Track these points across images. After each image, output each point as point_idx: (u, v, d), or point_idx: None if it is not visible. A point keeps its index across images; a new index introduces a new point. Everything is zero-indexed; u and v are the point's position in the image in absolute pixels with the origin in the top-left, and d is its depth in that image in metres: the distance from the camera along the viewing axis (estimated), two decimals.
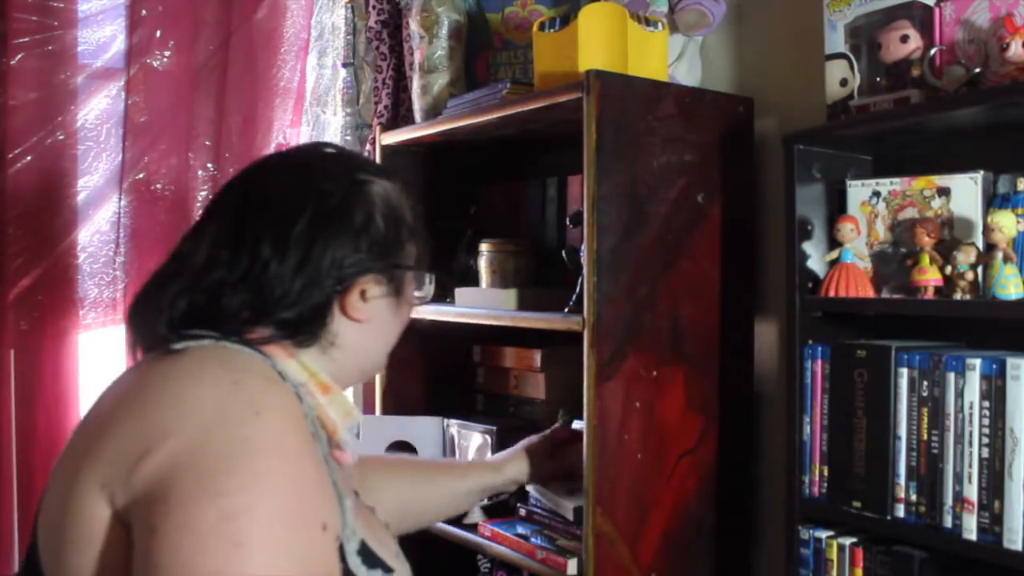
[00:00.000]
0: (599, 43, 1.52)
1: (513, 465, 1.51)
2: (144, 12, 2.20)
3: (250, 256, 0.94)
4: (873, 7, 1.38)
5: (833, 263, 1.37)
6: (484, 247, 1.82)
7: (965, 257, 1.22)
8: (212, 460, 0.80)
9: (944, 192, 1.30)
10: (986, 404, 1.18)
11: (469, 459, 1.82)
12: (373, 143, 2.08)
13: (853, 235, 1.36)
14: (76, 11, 2.15)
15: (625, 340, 1.47)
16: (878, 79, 1.38)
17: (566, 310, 1.55)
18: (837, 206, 1.42)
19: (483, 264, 1.81)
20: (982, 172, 1.27)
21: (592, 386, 1.43)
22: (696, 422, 1.57)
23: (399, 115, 2.21)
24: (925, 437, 1.25)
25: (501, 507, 1.76)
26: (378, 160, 1.99)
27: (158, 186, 2.23)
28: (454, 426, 1.91)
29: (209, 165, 2.30)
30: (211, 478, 0.79)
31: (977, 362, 1.19)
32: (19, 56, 2.07)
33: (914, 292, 1.28)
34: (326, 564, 0.86)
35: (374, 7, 2.21)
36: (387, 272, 1.02)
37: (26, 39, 2.07)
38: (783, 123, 1.65)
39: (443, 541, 1.75)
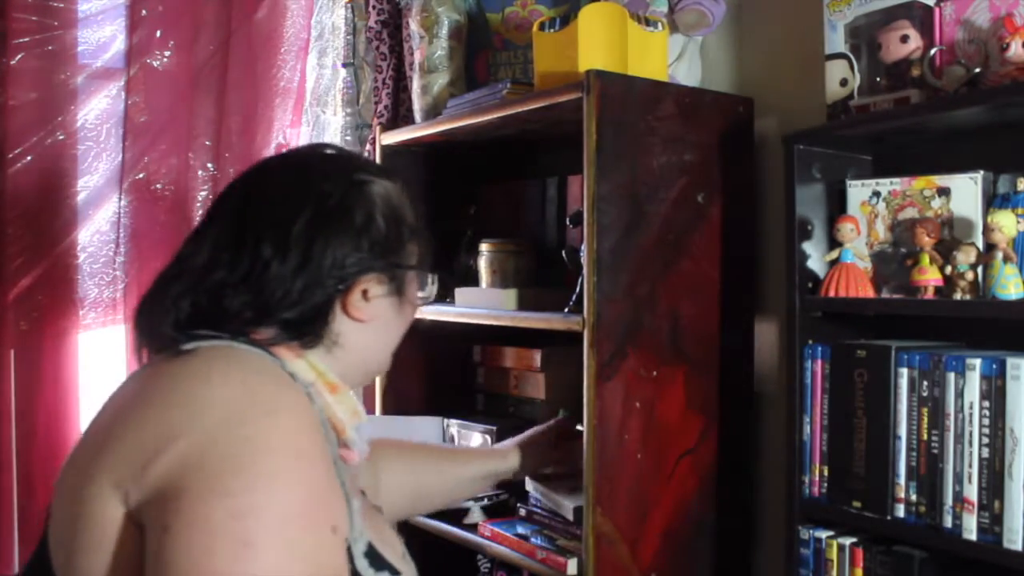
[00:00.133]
0: (599, 43, 1.52)
1: (518, 452, 1.54)
2: (144, 12, 2.20)
3: (251, 257, 0.95)
4: (873, 7, 1.38)
5: (833, 263, 1.37)
6: (484, 247, 1.82)
7: (965, 257, 1.22)
8: (223, 459, 0.80)
9: (944, 192, 1.30)
10: (986, 404, 1.18)
11: None
12: (373, 143, 2.08)
13: (853, 235, 1.36)
14: (76, 11, 2.14)
15: (625, 340, 1.47)
16: (878, 79, 1.38)
17: (566, 310, 1.55)
18: (837, 206, 1.42)
19: (483, 264, 1.81)
20: (982, 172, 1.27)
21: (592, 386, 1.43)
22: (696, 422, 1.57)
23: (399, 115, 2.21)
24: (925, 437, 1.25)
25: (501, 507, 1.76)
26: (378, 160, 1.99)
27: (158, 186, 2.23)
28: (454, 426, 1.91)
29: (209, 165, 2.30)
30: (222, 477, 0.79)
31: (977, 362, 1.19)
32: (19, 56, 2.06)
33: (914, 292, 1.28)
34: (335, 566, 0.86)
35: (374, 7, 2.21)
36: (388, 271, 1.02)
37: (26, 39, 2.07)
38: (783, 123, 1.65)
39: (443, 541, 1.75)
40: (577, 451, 1.50)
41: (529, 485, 1.68)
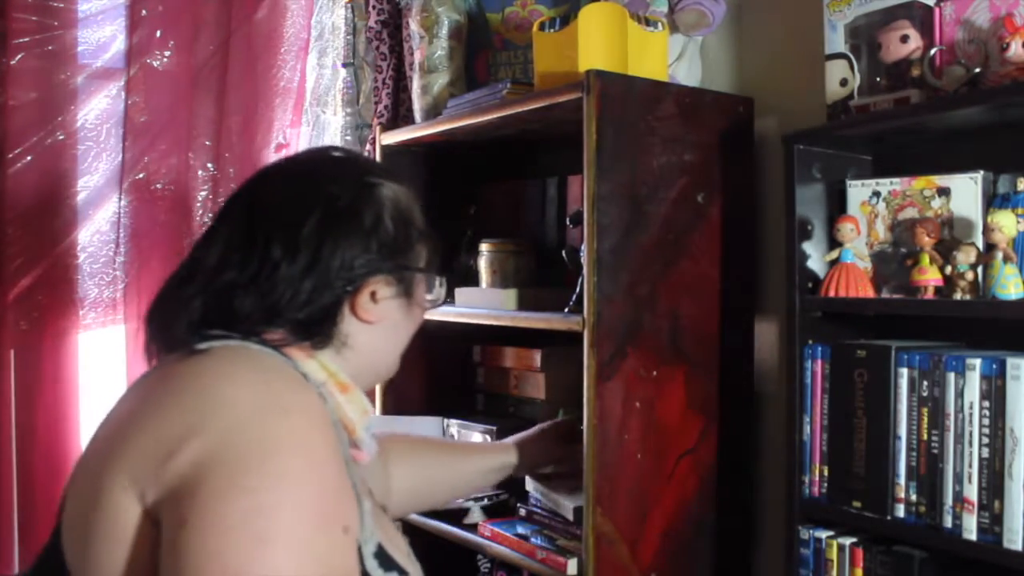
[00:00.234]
0: (599, 43, 1.52)
1: (529, 446, 1.55)
2: (144, 12, 2.20)
3: (260, 258, 0.96)
4: (873, 7, 1.38)
5: (833, 263, 1.37)
6: (484, 247, 1.82)
7: (965, 257, 1.22)
8: (240, 457, 0.81)
9: (944, 192, 1.30)
10: (986, 404, 1.18)
11: None
12: (373, 143, 2.08)
13: (853, 235, 1.36)
14: (76, 11, 2.14)
15: (625, 340, 1.47)
16: (878, 79, 1.38)
17: (566, 310, 1.55)
18: (837, 206, 1.42)
19: (483, 264, 1.81)
20: (982, 172, 1.27)
21: (592, 386, 1.43)
22: (696, 422, 1.57)
23: (399, 115, 2.21)
24: (925, 437, 1.25)
25: (501, 507, 1.76)
26: (378, 160, 1.99)
27: (158, 186, 2.23)
28: (454, 426, 1.91)
29: (209, 165, 2.30)
30: (239, 475, 0.80)
31: (977, 362, 1.19)
32: (19, 56, 2.06)
33: (914, 292, 1.28)
34: (347, 567, 0.86)
35: (374, 7, 2.21)
36: (397, 273, 1.03)
37: (26, 39, 2.07)
38: (783, 123, 1.65)
39: (443, 541, 1.76)
40: (578, 451, 1.50)
41: (529, 485, 1.68)
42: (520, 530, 1.65)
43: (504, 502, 1.76)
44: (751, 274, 1.67)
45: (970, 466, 1.20)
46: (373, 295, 1.01)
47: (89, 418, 2.14)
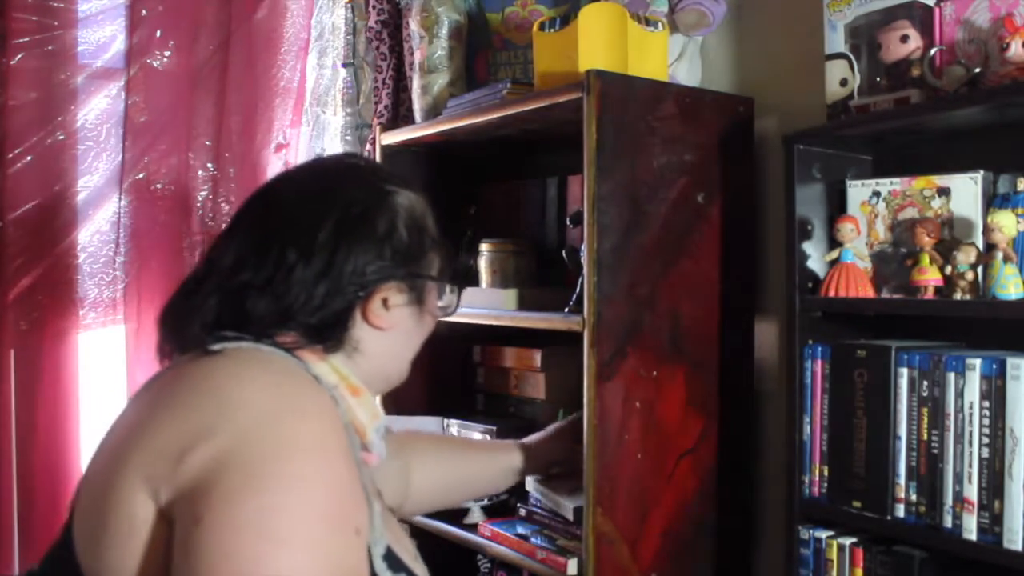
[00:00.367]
0: (599, 43, 1.52)
1: (545, 445, 1.56)
2: (144, 12, 2.20)
3: (276, 261, 0.96)
4: (873, 7, 1.38)
5: (833, 263, 1.37)
6: (484, 247, 1.82)
7: (965, 257, 1.22)
8: (255, 457, 0.82)
9: (944, 192, 1.30)
10: (986, 404, 1.18)
11: None
12: (373, 143, 2.08)
13: (853, 235, 1.36)
14: (76, 11, 2.14)
15: (625, 340, 1.47)
16: (878, 79, 1.38)
17: (566, 310, 1.55)
18: (837, 206, 1.42)
19: (483, 264, 1.81)
20: (982, 172, 1.27)
21: (592, 386, 1.43)
22: (696, 422, 1.57)
23: (399, 115, 2.21)
24: (925, 437, 1.25)
25: (501, 507, 1.76)
26: (378, 160, 1.99)
27: (158, 186, 2.23)
28: (454, 426, 1.91)
29: (209, 165, 2.30)
30: (254, 475, 0.81)
31: (977, 362, 1.19)
32: (19, 56, 2.06)
33: (914, 292, 1.28)
34: (357, 568, 0.87)
35: (374, 7, 2.21)
36: (409, 280, 1.03)
37: (26, 39, 2.07)
38: (783, 123, 1.65)
39: (443, 541, 1.76)
40: (578, 451, 1.50)
41: (529, 485, 1.67)
42: (520, 530, 1.65)
43: (504, 502, 1.76)
44: (751, 274, 1.67)
45: (970, 466, 1.20)
46: (385, 302, 1.02)
47: (89, 418, 2.14)
